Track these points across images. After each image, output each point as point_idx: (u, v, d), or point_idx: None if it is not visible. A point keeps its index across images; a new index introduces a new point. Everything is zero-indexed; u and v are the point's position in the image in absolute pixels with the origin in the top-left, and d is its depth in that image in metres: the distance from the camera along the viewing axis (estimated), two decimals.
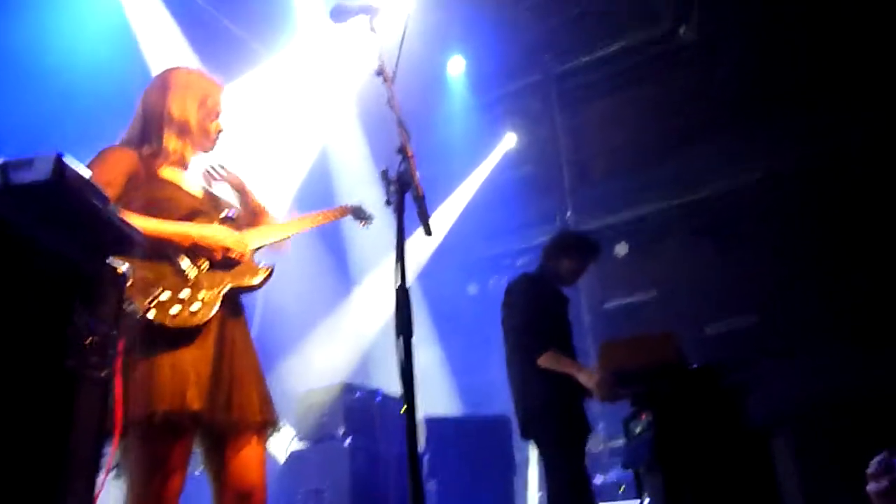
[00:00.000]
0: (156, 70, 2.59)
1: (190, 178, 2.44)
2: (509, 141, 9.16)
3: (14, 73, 4.42)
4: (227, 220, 2.37)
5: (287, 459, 4.94)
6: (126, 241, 1.30)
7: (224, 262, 2.24)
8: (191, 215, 2.27)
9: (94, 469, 1.33)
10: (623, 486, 5.43)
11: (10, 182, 1.19)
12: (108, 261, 1.29)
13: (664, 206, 8.03)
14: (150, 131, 2.34)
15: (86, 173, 1.24)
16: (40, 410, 1.21)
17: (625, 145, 8.61)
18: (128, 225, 1.31)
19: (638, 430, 3.81)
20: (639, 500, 3.79)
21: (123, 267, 1.29)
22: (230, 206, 2.49)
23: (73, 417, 1.26)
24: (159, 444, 1.93)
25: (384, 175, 2.04)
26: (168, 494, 1.95)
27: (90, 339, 1.26)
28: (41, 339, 1.20)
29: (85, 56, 4.72)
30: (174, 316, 2.01)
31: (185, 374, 2.00)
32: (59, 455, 1.22)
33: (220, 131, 2.48)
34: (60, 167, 1.20)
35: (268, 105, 6.42)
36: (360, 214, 2.97)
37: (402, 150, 2.04)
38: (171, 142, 2.32)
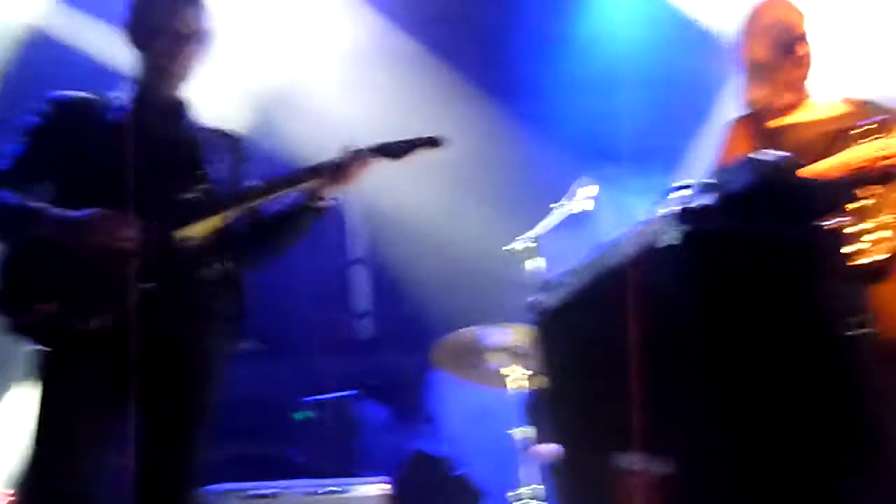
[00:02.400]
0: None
1: (809, 107, 2.16)
2: None
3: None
4: (876, 130, 2.01)
5: None
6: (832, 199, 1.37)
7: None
8: (828, 146, 1.99)
9: None
10: None
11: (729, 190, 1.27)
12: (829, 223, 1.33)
13: None
14: (741, 88, 2.17)
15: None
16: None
17: None
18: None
19: None
20: None
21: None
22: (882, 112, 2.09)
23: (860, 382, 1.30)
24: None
25: None
26: None
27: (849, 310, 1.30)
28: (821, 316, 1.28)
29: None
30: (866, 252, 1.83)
31: None
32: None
33: (804, 55, 2.11)
34: (760, 164, 1.28)
35: None
36: None
37: None
38: (754, 93, 2.14)
